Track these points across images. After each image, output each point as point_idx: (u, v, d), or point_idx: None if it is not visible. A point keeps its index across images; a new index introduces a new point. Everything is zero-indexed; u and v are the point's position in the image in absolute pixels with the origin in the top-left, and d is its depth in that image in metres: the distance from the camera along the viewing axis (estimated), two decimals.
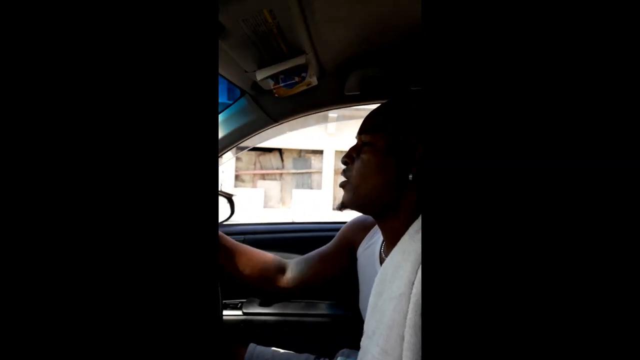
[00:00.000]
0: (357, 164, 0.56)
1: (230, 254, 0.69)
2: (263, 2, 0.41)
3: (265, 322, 0.89)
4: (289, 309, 0.90)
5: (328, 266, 0.72)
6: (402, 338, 0.46)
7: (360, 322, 0.58)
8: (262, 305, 0.91)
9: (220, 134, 0.85)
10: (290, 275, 0.71)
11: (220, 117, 0.85)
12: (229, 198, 1.12)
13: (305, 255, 0.74)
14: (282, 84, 0.63)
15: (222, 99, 0.87)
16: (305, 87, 0.65)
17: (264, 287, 0.72)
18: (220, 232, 0.69)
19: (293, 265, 0.73)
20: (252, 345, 0.71)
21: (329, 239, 0.76)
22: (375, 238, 0.66)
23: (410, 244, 0.50)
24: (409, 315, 0.45)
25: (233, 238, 0.73)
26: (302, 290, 0.72)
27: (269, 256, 0.73)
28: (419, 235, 0.49)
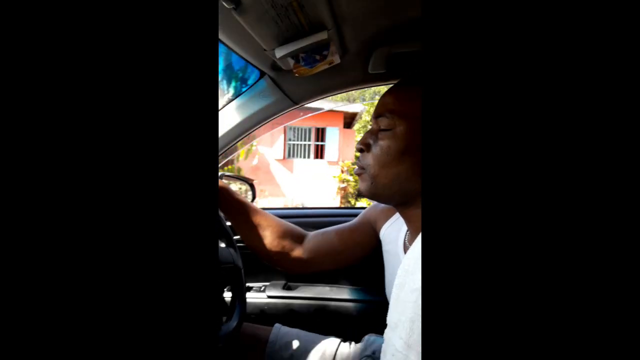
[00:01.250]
0: (374, 151, 0.51)
1: (250, 217, 0.66)
2: None
3: (289, 305, 0.89)
4: (313, 293, 0.90)
5: (346, 242, 0.69)
6: None
7: (385, 308, 0.57)
8: (285, 288, 0.92)
9: (240, 117, 0.83)
10: (308, 245, 0.69)
11: (239, 99, 0.84)
12: (250, 184, 1.12)
13: (326, 229, 0.72)
14: (302, 63, 0.60)
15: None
16: (327, 66, 0.61)
17: (281, 255, 0.68)
18: (240, 197, 0.67)
19: (312, 236, 0.71)
20: (277, 326, 0.71)
21: None
22: (400, 221, 0.63)
23: None
24: None
25: None
26: (316, 263, 0.68)
27: (288, 223, 0.71)
28: None
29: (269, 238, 0.67)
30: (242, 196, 0.68)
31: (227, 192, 0.66)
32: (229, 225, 0.70)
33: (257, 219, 0.67)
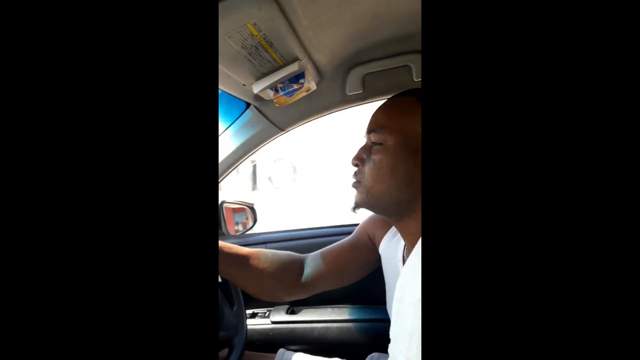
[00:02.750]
0: (368, 166, 0.53)
1: (244, 265, 0.64)
2: (245, 17, 0.41)
3: (293, 330, 0.89)
4: (317, 315, 0.90)
5: (347, 259, 0.69)
6: None
7: (389, 325, 0.57)
8: (289, 312, 0.92)
9: (233, 147, 0.86)
10: (308, 270, 0.68)
11: (231, 129, 0.87)
12: (251, 207, 1.13)
13: (324, 249, 0.71)
14: (281, 93, 0.63)
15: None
16: (305, 93, 0.64)
17: (283, 290, 0.67)
18: (232, 246, 0.66)
19: (310, 259, 0.70)
20: (280, 351, 0.71)
21: None
22: (398, 236, 0.64)
23: None
24: None
25: (255, 247, 0.71)
26: (322, 285, 0.68)
27: (283, 255, 0.69)
28: None
29: (269, 278, 0.65)
30: (229, 246, 0.65)
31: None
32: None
33: (251, 263, 0.65)
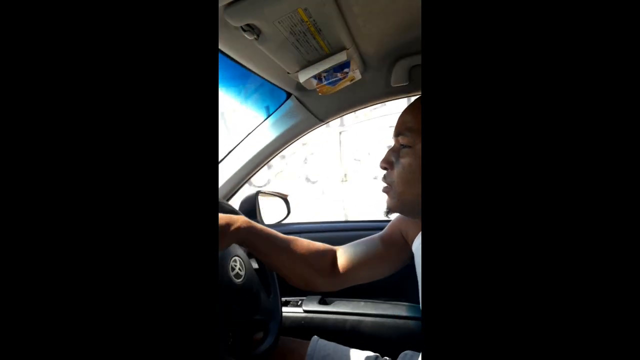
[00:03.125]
0: (398, 169, 0.52)
1: (280, 248, 0.64)
2: (297, 1, 0.41)
3: (325, 320, 0.89)
4: (349, 308, 0.89)
5: (378, 252, 0.68)
6: None
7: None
8: (321, 302, 0.92)
9: (270, 137, 0.87)
10: (341, 260, 0.69)
11: (270, 119, 0.88)
12: (284, 198, 1.15)
13: (356, 241, 0.71)
14: (325, 82, 0.62)
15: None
16: (349, 83, 0.63)
17: (317, 277, 0.67)
18: (270, 230, 0.66)
19: (343, 250, 0.71)
20: (314, 338, 0.72)
21: None
22: None
23: None
24: None
25: None
26: (353, 275, 0.67)
27: (317, 244, 0.69)
28: None
29: (302, 264, 0.65)
30: (269, 230, 0.65)
31: (252, 229, 0.62)
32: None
33: (287, 247, 0.65)
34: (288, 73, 0.61)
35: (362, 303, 0.90)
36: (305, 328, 0.89)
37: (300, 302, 0.93)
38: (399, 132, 0.53)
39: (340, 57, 0.54)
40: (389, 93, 0.73)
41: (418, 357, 0.63)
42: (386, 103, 0.79)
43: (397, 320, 0.86)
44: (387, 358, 0.69)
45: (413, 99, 0.59)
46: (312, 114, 0.79)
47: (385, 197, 0.57)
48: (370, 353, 0.69)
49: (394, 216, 0.67)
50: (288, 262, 0.65)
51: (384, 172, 0.56)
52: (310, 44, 0.51)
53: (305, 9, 0.42)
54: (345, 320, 0.87)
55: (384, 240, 0.70)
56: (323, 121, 0.81)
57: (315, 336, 0.73)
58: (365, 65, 0.65)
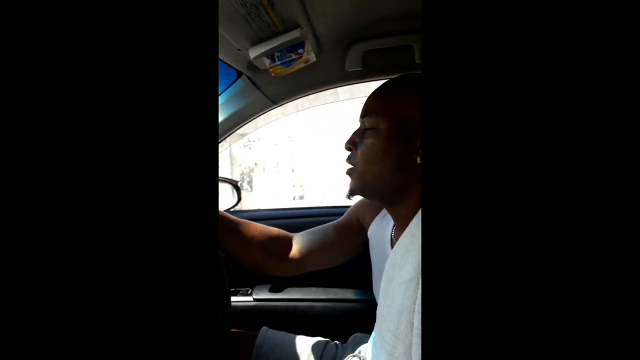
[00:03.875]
0: (361, 149, 0.53)
1: (232, 230, 0.65)
2: None
3: (276, 307, 0.88)
4: (300, 294, 0.89)
5: (334, 239, 0.69)
6: (412, 324, 0.45)
7: (373, 306, 0.57)
8: (272, 290, 0.91)
9: (219, 119, 0.82)
10: (296, 246, 0.69)
11: (218, 99, 0.82)
12: (235, 184, 1.10)
13: (313, 228, 0.72)
14: (278, 62, 0.59)
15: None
16: (303, 65, 0.61)
17: (270, 261, 0.67)
18: (221, 211, 0.65)
19: (299, 237, 0.71)
20: (264, 329, 0.71)
21: None
22: (387, 219, 0.64)
23: (419, 227, 0.48)
24: (418, 301, 0.44)
25: None
26: (308, 261, 0.68)
27: (272, 229, 0.70)
28: None
29: (256, 246, 0.66)
30: (230, 217, 0.66)
31: None
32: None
33: (240, 229, 0.65)
34: (239, 50, 0.57)
35: (314, 289, 0.91)
36: (256, 316, 0.87)
37: (250, 290, 0.91)
38: (364, 113, 0.53)
39: (294, 35, 0.52)
40: (343, 77, 0.72)
41: (368, 338, 0.65)
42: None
43: (347, 304, 0.88)
44: (337, 342, 0.70)
45: (372, 84, 0.59)
46: (265, 95, 0.75)
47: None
48: (320, 339, 0.69)
49: (354, 200, 0.67)
50: (239, 244, 0.65)
51: (349, 153, 0.56)
52: (262, 18, 0.48)
53: None
54: (296, 307, 0.87)
55: (341, 226, 0.71)
56: (276, 103, 0.78)
57: (265, 327, 0.71)
58: (320, 47, 0.62)
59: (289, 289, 0.92)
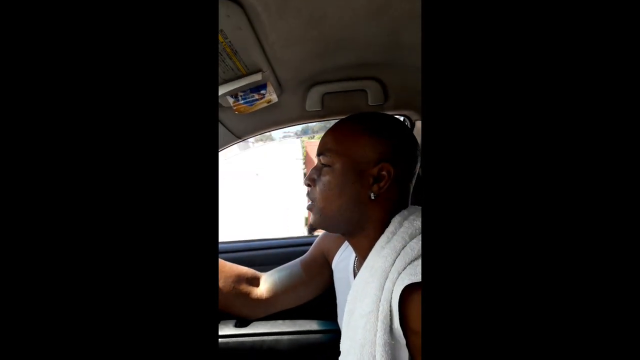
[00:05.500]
0: (319, 186, 0.56)
1: None
2: None
3: (242, 343, 0.86)
4: (266, 328, 0.88)
5: (303, 277, 0.71)
6: (374, 357, 0.45)
7: (339, 337, 0.58)
8: (237, 326, 0.89)
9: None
10: (264, 286, 0.69)
11: None
12: None
13: (280, 267, 0.73)
14: (242, 101, 0.63)
15: None
16: (266, 104, 0.65)
17: (237, 301, 0.67)
18: None
19: (267, 276, 0.71)
20: None
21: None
22: (349, 250, 0.66)
23: (376, 260, 0.51)
24: (378, 334, 0.45)
25: None
26: (277, 301, 0.69)
27: (241, 268, 0.70)
28: (385, 251, 0.50)
29: (222, 285, 0.65)
30: None
31: None
32: None
33: None
34: None
35: (280, 322, 0.90)
36: (221, 354, 0.84)
37: None
38: (320, 152, 0.57)
39: (256, 78, 0.56)
40: (304, 116, 0.77)
41: None
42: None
43: (314, 335, 0.87)
44: None
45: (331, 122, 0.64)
46: (228, 129, 0.79)
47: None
48: None
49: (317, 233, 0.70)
50: None
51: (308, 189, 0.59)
52: (226, 63, 0.52)
53: (221, 30, 0.43)
54: (263, 341, 0.85)
55: (307, 263, 0.72)
56: (240, 138, 0.81)
57: None
58: (281, 89, 0.68)
59: (254, 323, 0.90)
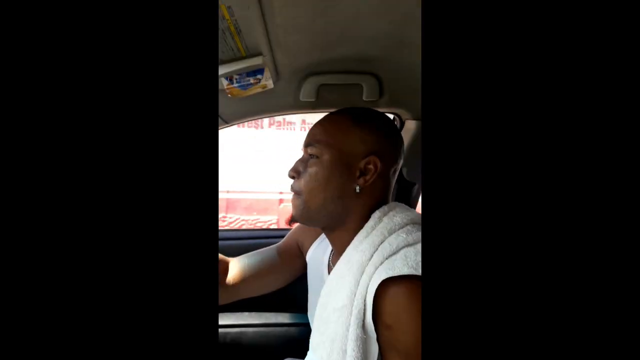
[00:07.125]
0: (305, 178, 0.55)
1: None
2: None
3: None
4: (231, 320, 0.86)
5: (273, 265, 0.69)
6: (345, 352, 0.45)
7: (308, 331, 0.57)
8: None
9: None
10: (232, 271, 0.67)
11: None
12: None
13: (249, 253, 0.71)
14: (236, 85, 0.61)
15: None
16: (260, 90, 0.63)
17: None
18: None
19: (235, 261, 0.69)
20: None
21: None
22: (325, 243, 0.66)
23: (354, 254, 0.51)
24: (351, 328, 0.45)
25: None
26: (243, 287, 0.66)
27: None
28: (362, 246, 0.50)
29: None
30: None
31: None
32: None
33: None
34: None
35: (246, 314, 0.88)
36: None
37: None
38: (308, 143, 0.56)
39: (256, 61, 0.54)
40: (296, 106, 0.76)
41: None
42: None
43: (281, 329, 0.87)
44: None
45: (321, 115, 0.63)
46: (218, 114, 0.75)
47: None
48: None
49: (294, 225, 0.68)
50: None
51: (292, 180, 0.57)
52: (227, 42, 0.49)
53: (229, 7, 0.41)
54: (226, 334, 0.84)
55: (282, 250, 0.71)
56: (228, 123, 0.78)
57: None
58: (278, 76, 0.66)
59: (220, 314, 0.88)
